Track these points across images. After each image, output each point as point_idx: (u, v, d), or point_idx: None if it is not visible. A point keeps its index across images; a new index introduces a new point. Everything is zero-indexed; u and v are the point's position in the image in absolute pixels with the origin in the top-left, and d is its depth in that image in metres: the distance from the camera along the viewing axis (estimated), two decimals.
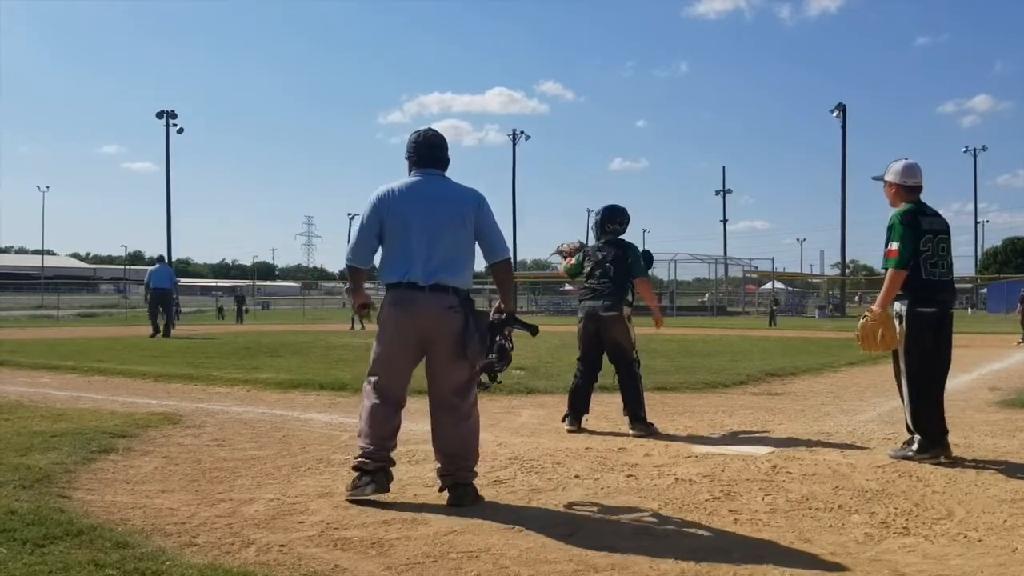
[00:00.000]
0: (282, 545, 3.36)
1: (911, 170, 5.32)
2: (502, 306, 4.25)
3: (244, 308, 35.56)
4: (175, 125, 45.96)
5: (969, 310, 51.19)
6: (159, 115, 45.99)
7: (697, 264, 52.11)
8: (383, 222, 4.15)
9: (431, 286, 4.05)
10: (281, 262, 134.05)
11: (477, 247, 4.27)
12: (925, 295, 5.08)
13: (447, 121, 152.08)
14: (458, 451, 4.16)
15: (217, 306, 41.14)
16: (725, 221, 70.51)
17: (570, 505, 4.08)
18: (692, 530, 3.68)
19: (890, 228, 5.13)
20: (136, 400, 7.89)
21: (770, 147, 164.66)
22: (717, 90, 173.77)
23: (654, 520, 3.83)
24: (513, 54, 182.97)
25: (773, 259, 62.08)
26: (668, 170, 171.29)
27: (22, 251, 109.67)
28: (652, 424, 6.28)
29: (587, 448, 5.55)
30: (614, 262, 6.45)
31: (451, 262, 4.11)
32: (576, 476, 4.70)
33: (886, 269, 5.13)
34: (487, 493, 4.27)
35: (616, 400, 6.47)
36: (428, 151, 4.27)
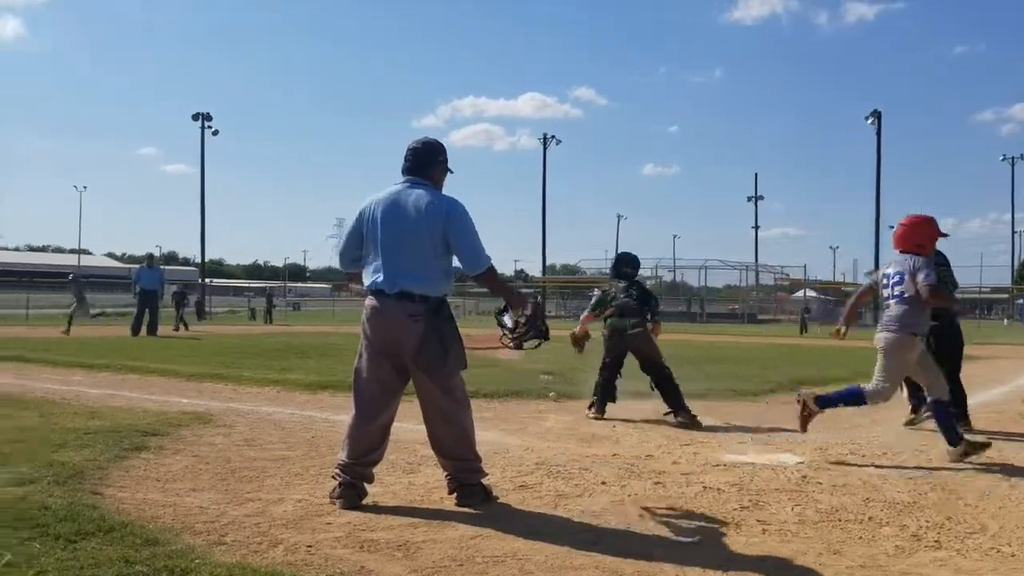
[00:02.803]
0: (309, 546, 3.38)
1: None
2: (511, 305, 4.34)
3: (272, 308, 35.90)
4: (210, 127, 46.56)
5: (1005, 321, 50.32)
6: (195, 117, 46.58)
7: (728, 271, 51.87)
8: (361, 231, 4.21)
9: (396, 294, 4.06)
10: (312, 264, 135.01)
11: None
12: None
13: (480, 125, 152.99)
14: (454, 453, 4.20)
15: (249, 307, 41.53)
16: (757, 228, 69.78)
17: (597, 512, 4.07)
18: (720, 539, 3.65)
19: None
20: (168, 399, 7.99)
21: (804, 153, 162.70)
22: (751, 96, 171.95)
23: (681, 528, 3.80)
24: (547, 59, 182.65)
25: (805, 266, 61.19)
26: (700, 176, 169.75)
27: (59, 250, 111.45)
28: (696, 416, 7.00)
29: (614, 455, 5.53)
30: (639, 300, 7.55)
31: (416, 270, 4.08)
32: (603, 482, 4.69)
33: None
34: (513, 498, 4.27)
35: (641, 406, 6.46)
36: (409, 157, 4.27)
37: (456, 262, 4.19)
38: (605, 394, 7.38)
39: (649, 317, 7.54)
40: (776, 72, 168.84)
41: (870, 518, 4.01)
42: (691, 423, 6.93)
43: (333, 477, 4.18)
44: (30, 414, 6.52)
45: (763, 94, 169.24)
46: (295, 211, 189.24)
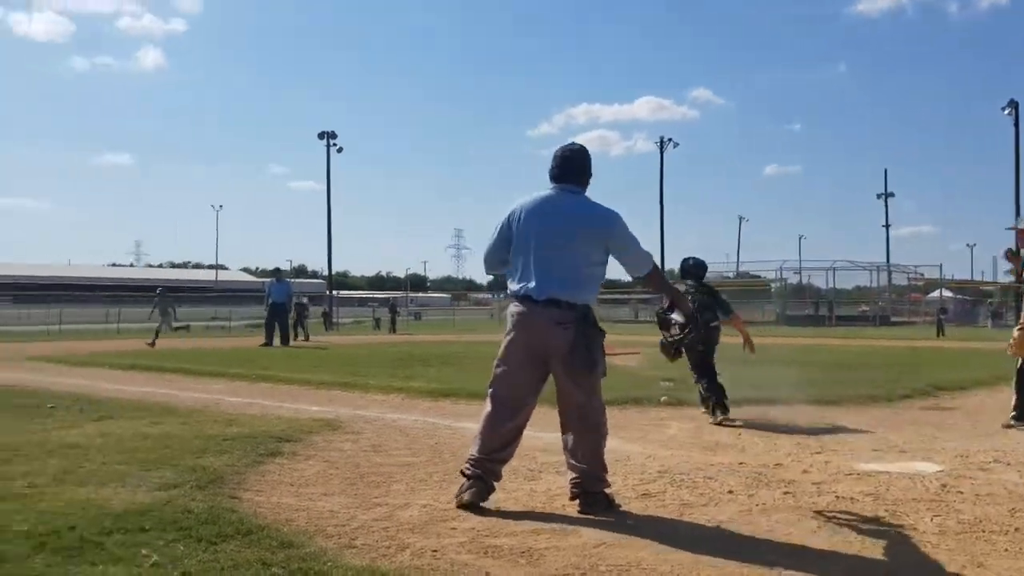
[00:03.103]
0: (435, 550, 3.44)
1: None
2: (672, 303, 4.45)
3: (396, 317, 36.82)
4: (335, 145, 48.07)
5: None
6: (320, 136, 48.22)
7: (857, 272, 49.67)
8: (511, 235, 4.24)
9: (544, 300, 4.08)
10: (432, 274, 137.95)
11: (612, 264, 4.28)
12: None
13: (595, 132, 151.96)
14: (587, 460, 4.18)
15: (374, 317, 42.71)
16: (887, 226, 66.60)
17: (723, 521, 3.97)
18: (854, 551, 3.50)
19: None
20: (300, 406, 8.30)
21: (936, 148, 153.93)
22: (878, 90, 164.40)
23: (813, 540, 3.67)
24: (662, 62, 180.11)
25: (941, 266, 58.06)
26: (825, 174, 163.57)
27: (198, 266, 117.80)
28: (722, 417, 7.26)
29: (740, 463, 5.39)
30: (703, 302, 7.59)
31: (567, 278, 4.10)
32: (729, 491, 4.58)
33: None
34: (636, 507, 4.22)
35: (771, 414, 6.26)
36: (563, 165, 4.27)
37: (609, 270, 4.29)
38: (719, 395, 7.39)
39: (720, 315, 7.74)
40: (904, 64, 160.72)
41: (1017, 529, 3.76)
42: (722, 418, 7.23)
43: (462, 472, 4.24)
44: (174, 421, 6.90)
45: (890, 87, 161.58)
46: (415, 223, 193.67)
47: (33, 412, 7.52)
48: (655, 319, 4.50)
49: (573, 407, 4.18)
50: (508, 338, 4.24)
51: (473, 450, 4.24)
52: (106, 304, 39.52)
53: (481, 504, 4.10)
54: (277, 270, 22.82)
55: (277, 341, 19.59)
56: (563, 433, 4.27)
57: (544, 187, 4.33)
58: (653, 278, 4.36)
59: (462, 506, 4.11)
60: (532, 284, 4.11)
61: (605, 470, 4.25)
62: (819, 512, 4.13)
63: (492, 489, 4.20)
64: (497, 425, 4.22)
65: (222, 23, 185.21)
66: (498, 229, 4.30)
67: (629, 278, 4.65)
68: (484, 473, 4.18)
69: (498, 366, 4.28)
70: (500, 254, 4.33)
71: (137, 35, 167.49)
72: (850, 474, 5.05)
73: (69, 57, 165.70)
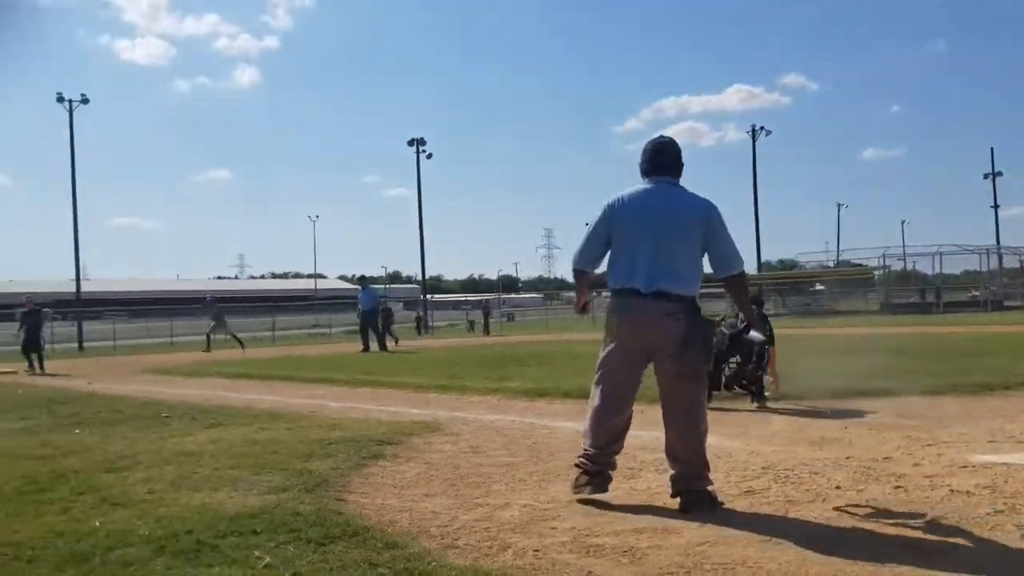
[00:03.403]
0: (536, 550, 3.45)
1: None
2: (742, 317, 4.30)
3: (489, 319, 37.13)
4: (424, 151, 48.84)
5: None
6: (410, 143, 49.09)
7: (966, 255, 47.32)
8: (611, 229, 4.22)
9: (653, 293, 4.07)
10: (523, 275, 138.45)
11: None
12: None
13: (684, 124, 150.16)
14: (688, 457, 4.15)
15: (468, 319, 43.17)
16: (996, 207, 63.39)
17: (831, 518, 3.86)
18: (971, 546, 3.35)
19: None
20: (400, 409, 8.46)
21: None
22: (981, 65, 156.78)
23: (926, 535, 3.53)
24: (751, 49, 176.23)
25: None
26: (928, 155, 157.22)
27: (297, 276, 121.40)
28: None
29: (848, 457, 5.22)
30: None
31: (675, 269, 4.09)
32: (837, 487, 4.44)
33: None
34: (739, 504, 4.14)
35: (880, 406, 6.05)
36: (656, 158, 4.28)
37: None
38: (760, 386, 7.37)
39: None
40: (1007, 37, 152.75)
41: None
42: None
43: (578, 466, 4.29)
44: (281, 427, 7.13)
45: (993, 62, 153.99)
46: (505, 224, 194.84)
47: (150, 422, 7.90)
48: (723, 334, 4.39)
49: (682, 402, 4.16)
50: (613, 333, 4.24)
51: (586, 445, 4.30)
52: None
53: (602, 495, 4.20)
54: (362, 278, 23.22)
55: (374, 346, 20.00)
56: (665, 428, 4.24)
57: (633, 183, 4.32)
58: (738, 282, 4.31)
59: (583, 501, 4.19)
60: (640, 277, 4.10)
61: (707, 467, 4.20)
62: (932, 507, 3.97)
63: (610, 479, 4.28)
64: (605, 419, 4.25)
65: (312, 37, 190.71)
66: (595, 224, 4.29)
67: (747, 270, 4.57)
68: (601, 467, 4.24)
69: (603, 361, 4.28)
70: (597, 250, 4.31)
71: (233, 54, 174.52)
72: (964, 467, 4.84)
73: (172, 80, 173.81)
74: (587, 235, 4.32)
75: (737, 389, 4.69)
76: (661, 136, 4.40)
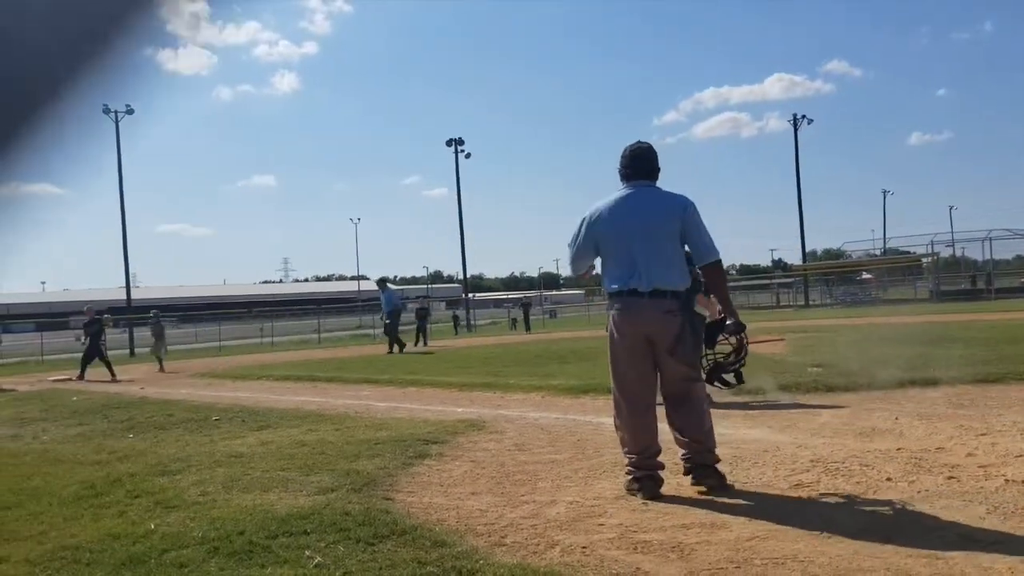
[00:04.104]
0: (584, 547, 3.45)
1: None
2: (722, 309, 4.55)
3: (529, 316, 37.16)
4: (463, 151, 48.93)
5: None
6: (448, 143, 49.23)
7: (1017, 240, 46.13)
8: (596, 238, 4.45)
9: (650, 292, 4.28)
10: (565, 271, 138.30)
11: None
12: None
13: (725, 115, 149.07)
14: (695, 434, 4.35)
15: (510, 317, 43.23)
16: None
17: (882, 510, 3.80)
18: None
19: None
20: (444, 408, 8.51)
21: None
22: None
23: (982, 526, 3.45)
24: (792, 37, 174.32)
25: None
26: (976, 139, 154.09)
27: (341, 278, 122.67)
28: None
29: (899, 448, 5.13)
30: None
31: (667, 268, 4.32)
32: (888, 479, 4.37)
33: None
34: (789, 497, 4.09)
35: (932, 396, 5.93)
36: (634, 163, 4.50)
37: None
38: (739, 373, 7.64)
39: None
40: None
41: None
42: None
43: (627, 474, 4.38)
44: (328, 428, 7.21)
45: None
46: (544, 221, 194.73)
47: (201, 425, 8.05)
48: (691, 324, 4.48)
49: (681, 383, 4.37)
50: (618, 336, 4.40)
51: (626, 451, 4.40)
52: (259, 320, 41.78)
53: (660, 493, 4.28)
54: (382, 280, 22.69)
55: (400, 347, 19.87)
56: (668, 412, 4.43)
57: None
58: (717, 270, 4.49)
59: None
60: (636, 278, 4.30)
61: (714, 444, 4.41)
62: (986, 497, 3.88)
63: (662, 481, 4.34)
64: (636, 421, 4.37)
65: (350, 42, 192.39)
66: (580, 238, 4.52)
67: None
68: (647, 470, 4.32)
69: (614, 366, 4.45)
70: (588, 259, 4.58)
71: (273, 61, 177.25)
72: (1020, 456, 4.72)
73: (214, 88, 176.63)
74: (575, 249, 4.58)
75: (717, 385, 4.81)
76: (639, 142, 4.59)
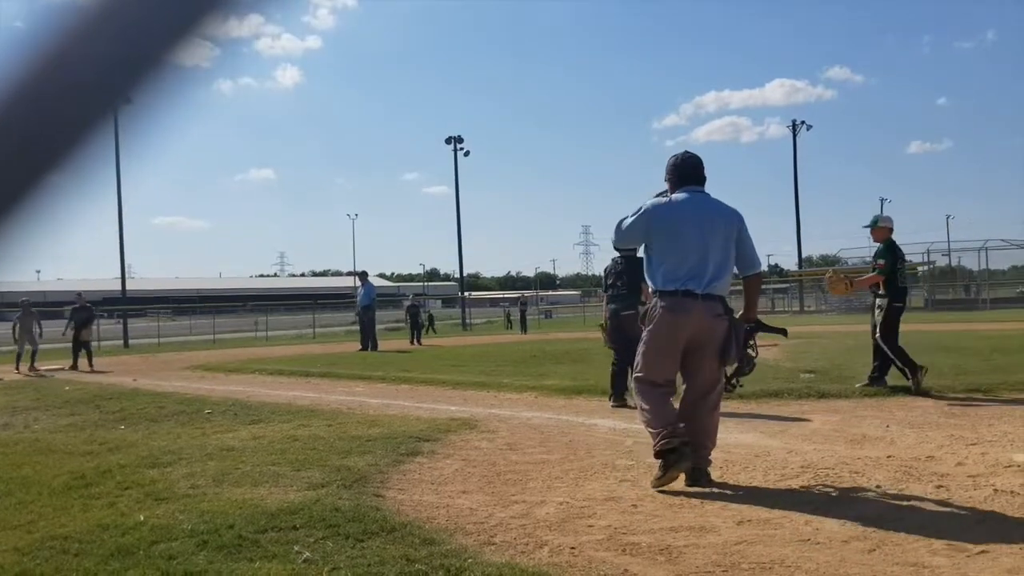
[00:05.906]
0: (573, 548, 3.46)
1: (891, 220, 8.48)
2: (748, 315, 4.73)
3: (526, 316, 37.13)
4: (462, 148, 48.88)
5: None
6: (447, 140, 49.16)
7: (1013, 251, 46.26)
8: (652, 231, 4.59)
9: (704, 295, 4.45)
10: (561, 271, 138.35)
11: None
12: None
13: (725, 119, 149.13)
14: (704, 439, 4.53)
15: (506, 317, 43.22)
16: None
17: (871, 517, 3.81)
18: (1016, 547, 3.29)
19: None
20: (437, 406, 8.51)
21: None
22: None
23: (970, 536, 3.47)
24: (794, 42, 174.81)
25: None
26: (975, 149, 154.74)
27: (337, 273, 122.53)
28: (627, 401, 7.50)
29: (889, 456, 5.15)
30: (628, 273, 7.82)
31: (721, 273, 4.52)
32: (877, 486, 4.39)
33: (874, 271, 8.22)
34: (777, 503, 4.11)
35: (923, 405, 5.96)
36: (691, 171, 4.71)
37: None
38: (618, 386, 7.85)
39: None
40: None
41: None
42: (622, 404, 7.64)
43: (659, 454, 4.40)
44: (320, 424, 7.21)
45: None
46: (542, 221, 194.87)
47: (193, 417, 8.05)
48: (737, 326, 4.61)
49: (709, 386, 4.56)
50: (661, 328, 4.51)
51: (657, 429, 4.45)
52: (254, 313, 41.70)
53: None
54: (362, 273, 21.79)
55: (374, 346, 19.53)
56: (688, 411, 4.55)
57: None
58: (759, 280, 4.90)
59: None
60: (694, 280, 4.45)
61: (714, 446, 4.65)
62: (975, 507, 3.90)
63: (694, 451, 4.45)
64: (665, 403, 4.55)
65: (354, 37, 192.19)
66: (636, 222, 4.65)
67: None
68: (683, 438, 4.37)
69: (651, 355, 4.57)
70: (636, 242, 4.81)
71: (276, 55, 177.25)
72: (1009, 466, 4.74)
73: (215, 80, 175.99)
74: (628, 230, 4.71)
75: (727, 388, 4.90)
76: (687, 151, 4.81)
